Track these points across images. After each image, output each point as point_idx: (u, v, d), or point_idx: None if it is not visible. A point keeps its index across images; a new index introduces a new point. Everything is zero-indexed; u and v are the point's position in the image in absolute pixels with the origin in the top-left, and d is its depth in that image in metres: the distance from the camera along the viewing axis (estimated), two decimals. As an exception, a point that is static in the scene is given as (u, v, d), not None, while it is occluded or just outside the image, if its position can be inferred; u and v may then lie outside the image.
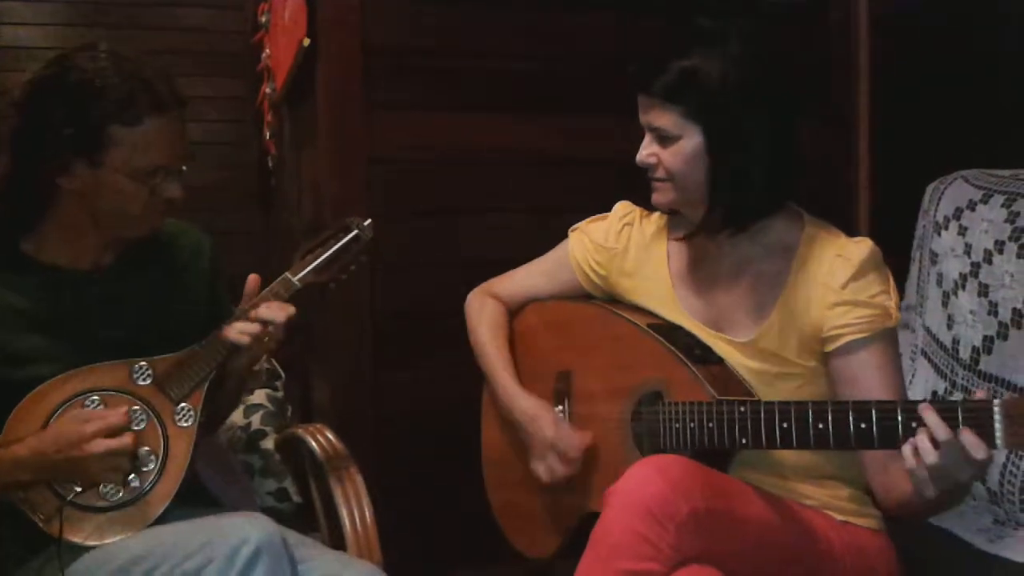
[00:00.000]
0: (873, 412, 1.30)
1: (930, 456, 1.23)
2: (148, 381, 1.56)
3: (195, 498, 1.62)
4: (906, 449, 1.26)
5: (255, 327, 1.55)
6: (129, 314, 1.61)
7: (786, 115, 1.52)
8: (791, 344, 1.52)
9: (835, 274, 1.49)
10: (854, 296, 1.48)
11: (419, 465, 2.44)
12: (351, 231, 1.62)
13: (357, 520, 1.76)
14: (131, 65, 1.51)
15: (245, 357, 1.60)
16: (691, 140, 1.50)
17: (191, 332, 1.60)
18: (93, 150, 1.49)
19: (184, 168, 1.57)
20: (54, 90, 1.50)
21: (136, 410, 1.53)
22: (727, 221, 1.54)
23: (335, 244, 1.61)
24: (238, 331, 1.55)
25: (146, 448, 1.52)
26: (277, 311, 1.55)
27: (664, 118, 1.51)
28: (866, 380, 1.47)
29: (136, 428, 1.52)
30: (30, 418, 1.50)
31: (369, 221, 1.63)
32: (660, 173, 1.55)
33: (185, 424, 1.56)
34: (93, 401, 1.52)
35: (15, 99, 1.53)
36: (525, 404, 1.69)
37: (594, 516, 1.41)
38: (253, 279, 1.61)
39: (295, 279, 1.59)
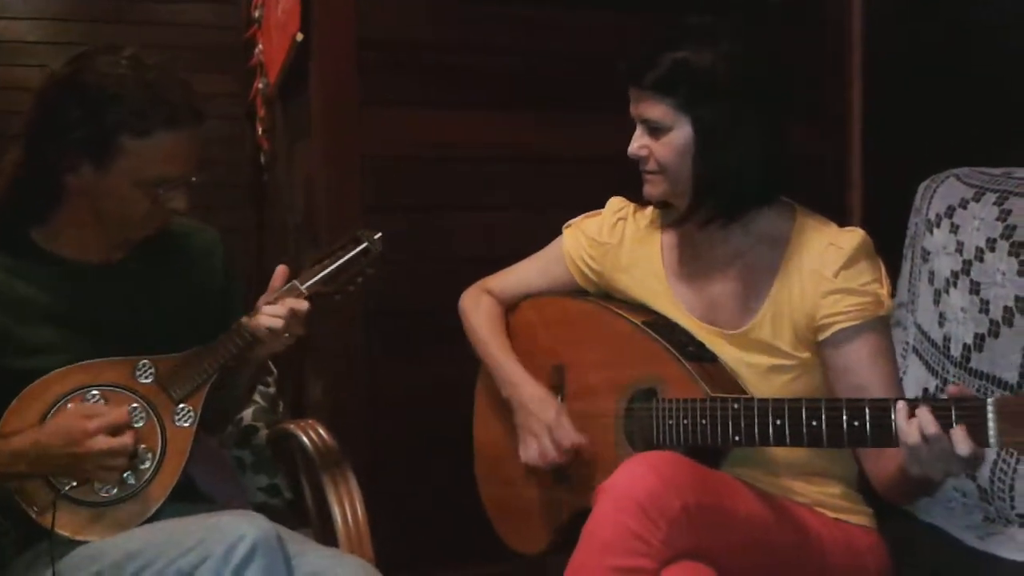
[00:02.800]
0: (867, 410, 1.30)
1: (922, 447, 1.24)
2: (150, 379, 1.56)
3: (186, 494, 1.61)
4: (901, 430, 1.26)
5: (278, 317, 1.55)
6: (137, 310, 1.62)
7: (775, 108, 1.53)
8: (785, 335, 1.53)
9: (826, 263, 1.50)
10: (846, 284, 1.49)
11: (411, 461, 2.44)
12: (361, 243, 1.63)
13: (348, 516, 1.75)
14: (151, 74, 1.49)
15: (264, 348, 1.61)
16: (681, 131, 1.51)
17: (200, 331, 1.61)
18: (101, 155, 1.49)
19: (194, 179, 1.56)
20: (71, 90, 1.49)
21: (136, 407, 1.54)
22: (717, 212, 1.54)
23: (344, 255, 1.62)
24: (259, 322, 1.56)
25: (143, 446, 1.53)
26: (295, 303, 1.57)
27: (655, 110, 1.52)
28: (859, 368, 1.48)
29: (135, 426, 1.52)
30: (29, 409, 1.50)
31: (379, 235, 1.64)
32: (651, 165, 1.56)
33: (184, 424, 1.56)
34: (93, 396, 1.53)
35: (35, 90, 1.52)
36: (533, 389, 1.68)
37: (585, 512, 1.41)
38: (281, 270, 1.62)
39: (303, 287, 1.60)
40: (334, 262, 1.62)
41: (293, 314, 1.56)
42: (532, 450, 1.64)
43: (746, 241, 1.58)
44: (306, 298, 1.59)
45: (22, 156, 1.54)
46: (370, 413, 2.44)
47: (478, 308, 1.82)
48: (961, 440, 1.21)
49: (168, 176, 1.52)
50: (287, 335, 1.58)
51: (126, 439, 1.47)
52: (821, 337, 1.50)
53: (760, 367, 1.54)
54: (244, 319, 1.58)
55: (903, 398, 1.30)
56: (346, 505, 1.77)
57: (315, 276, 1.61)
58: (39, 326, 1.55)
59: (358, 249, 1.63)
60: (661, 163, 1.54)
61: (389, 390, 2.45)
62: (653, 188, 1.58)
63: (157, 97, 1.48)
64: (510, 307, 1.84)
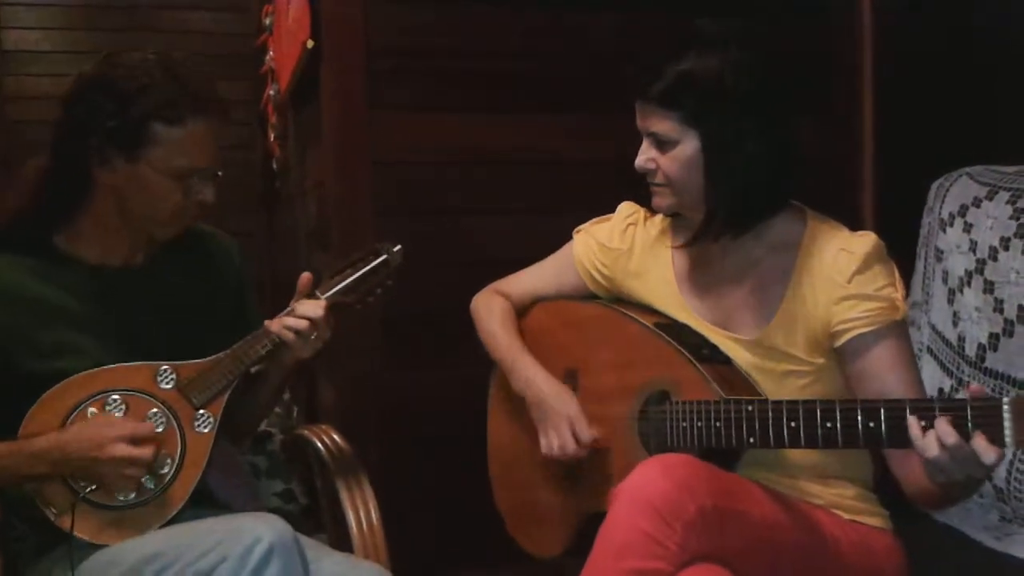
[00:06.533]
0: (882, 411, 1.29)
1: (942, 456, 1.23)
2: (171, 385, 1.57)
3: (204, 500, 1.62)
4: (918, 445, 1.25)
5: (299, 323, 1.57)
6: (157, 314, 1.63)
7: (784, 117, 1.51)
8: (799, 341, 1.52)
9: (840, 268, 1.49)
10: (860, 289, 1.48)
11: (425, 466, 2.44)
12: (380, 255, 1.65)
13: (363, 521, 1.76)
14: (178, 68, 1.54)
15: (288, 355, 1.62)
16: (689, 145, 1.50)
17: (217, 336, 1.62)
18: (133, 145, 1.52)
19: (220, 173, 1.58)
20: (101, 85, 1.52)
21: (156, 412, 1.55)
22: (728, 225, 1.54)
23: (364, 267, 1.64)
24: (283, 326, 1.58)
25: (163, 451, 1.54)
26: (314, 308, 1.58)
27: (662, 123, 1.50)
28: (878, 374, 1.47)
29: (155, 431, 1.53)
30: (50, 412, 1.51)
31: (399, 247, 1.66)
32: (659, 178, 1.55)
33: (204, 430, 1.57)
34: (114, 400, 1.54)
35: (63, 95, 1.55)
36: (550, 384, 1.68)
37: (600, 515, 1.41)
38: (305, 277, 1.64)
39: (322, 297, 1.61)
40: (353, 273, 1.64)
41: (317, 320, 1.57)
42: (554, 443, 1.63)
43: (758, 249, 1.57)
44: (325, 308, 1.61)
45: (50, 159, 1.56)
46: (384, 418, 2.44)
47: (491, 309, 1.82)
48: (984, 449, 1.20)
49: (197, 165, 1.54)
50: (314, 338, 1.59)
51: (146, 450, 1.49)
52: (837, 344, 1.49)
53: (774, 373, 1.53)
54: (268, 323, 1.59)
55: (917, 401, 1.29)
56: (360, 510, 1.77)
57: (335, 287, 1.63)
58: (59, 329, 1.56)
59: (378, 261, 1.65)
60: (669, 176, 1.53)
61: (402, 394, 2.45)
62: (661, 200, 1.57)
63: (186, 87, 1.51)
64: (521, 311, 1.84)
